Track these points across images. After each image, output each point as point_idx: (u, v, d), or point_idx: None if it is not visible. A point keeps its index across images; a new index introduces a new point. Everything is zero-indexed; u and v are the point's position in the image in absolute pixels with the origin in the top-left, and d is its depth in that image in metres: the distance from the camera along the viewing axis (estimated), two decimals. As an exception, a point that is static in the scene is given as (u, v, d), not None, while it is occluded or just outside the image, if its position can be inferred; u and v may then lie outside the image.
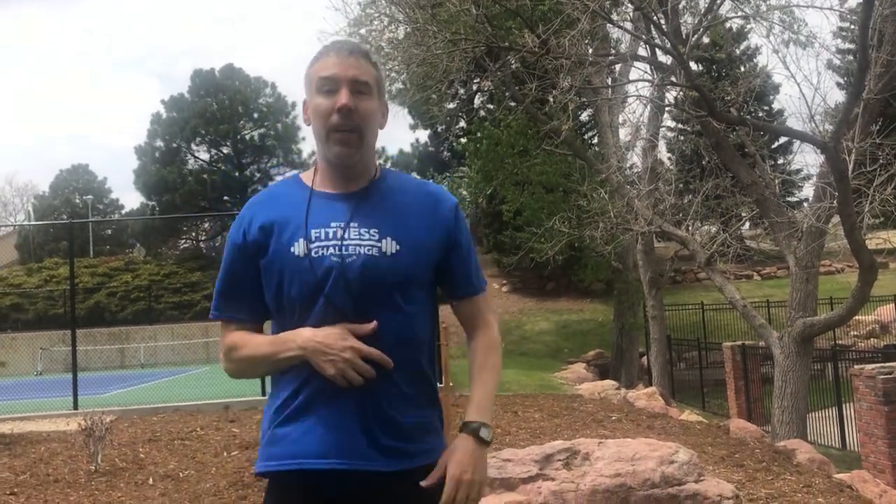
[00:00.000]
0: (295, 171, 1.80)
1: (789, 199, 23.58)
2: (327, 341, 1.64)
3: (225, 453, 7.47)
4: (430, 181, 2.01)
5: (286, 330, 1.73)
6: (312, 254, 1.69)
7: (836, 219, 10.65)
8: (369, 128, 1.76)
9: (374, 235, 1.71)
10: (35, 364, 24.50)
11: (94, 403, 11.22)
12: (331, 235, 1.70)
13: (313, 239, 1.70)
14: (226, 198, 35.72)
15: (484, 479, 1.72)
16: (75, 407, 11.73)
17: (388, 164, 38.02)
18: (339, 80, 1.71)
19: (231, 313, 1.83)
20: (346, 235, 1.70)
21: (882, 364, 9.91)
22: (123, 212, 45.57)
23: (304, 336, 1.67)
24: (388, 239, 1.71)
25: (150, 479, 6.49)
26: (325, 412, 1.68)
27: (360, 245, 1.70)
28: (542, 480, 4.45)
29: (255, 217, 1.79)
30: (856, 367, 10.34)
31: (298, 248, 1.71)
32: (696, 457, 4.87)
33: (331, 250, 1.69)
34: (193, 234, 40.03)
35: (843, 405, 12.63)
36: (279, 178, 37.42)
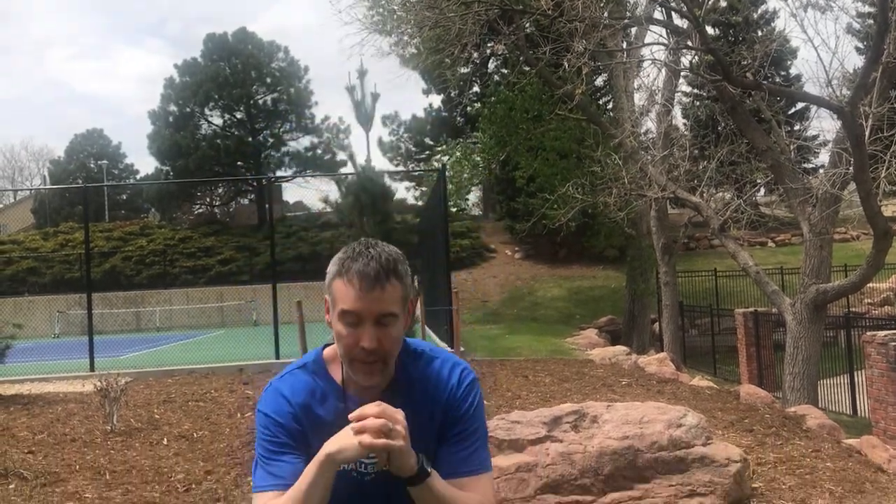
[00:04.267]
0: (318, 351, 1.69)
1: (805, 165, 23.36)
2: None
3: (238, 415, 7.56)
4: (453, 359, 1.94)
5: None
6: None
7: (851, 185, 10.57)
8: (393, 352, 1.77)
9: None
10: (52, 326, 24.81)
11: (110, 366, 11.37)
12: None
13: None
14: (239, 163, 35.74)
15: (395, 461, 1.66)
16: (92, 369, 11.91)
17: (402, 131, 37.69)
18: (364, 317, 1.71)
19: (273, 483, 1.78)
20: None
21: (895, 331, 9.88)
22: (138, 177, 45.75)
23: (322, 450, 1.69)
24: None
25: (165, 440, 6.60)
26: None
27: (376, 459, 1.74)
28: (550, 442, 4.49)
29: (290, 410, 1.81)
30: (868, 333, 10.31)
31: None
32: (705, 421, 4.89)
33: (351, 465, 1.76)
34: (207, 199, 40.13)
35: (855, 372, 12.62)
36: (292, 143, 37.27)
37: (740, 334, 16.28)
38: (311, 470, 1.68)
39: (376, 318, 1.70)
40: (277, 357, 11.97)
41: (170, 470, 5.60)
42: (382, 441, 1.61)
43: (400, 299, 1.74)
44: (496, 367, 10.82)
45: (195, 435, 6.74)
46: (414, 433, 1.68)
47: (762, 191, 17.34)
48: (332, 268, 1.77)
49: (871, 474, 5.38)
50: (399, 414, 1.64)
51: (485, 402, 8.08)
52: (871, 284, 16.06)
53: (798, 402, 9.69)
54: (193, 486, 5.18)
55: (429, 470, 1.69)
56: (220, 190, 39.67)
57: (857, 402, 12.53)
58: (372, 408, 1.63)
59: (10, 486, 5.24)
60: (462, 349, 12.35)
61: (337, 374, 1.83)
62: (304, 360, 1.89)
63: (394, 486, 1.74)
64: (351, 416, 1.65)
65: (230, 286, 28.03)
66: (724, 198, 15.96)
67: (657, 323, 21.12)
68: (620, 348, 14.07)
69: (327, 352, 1.88)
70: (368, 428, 1.61)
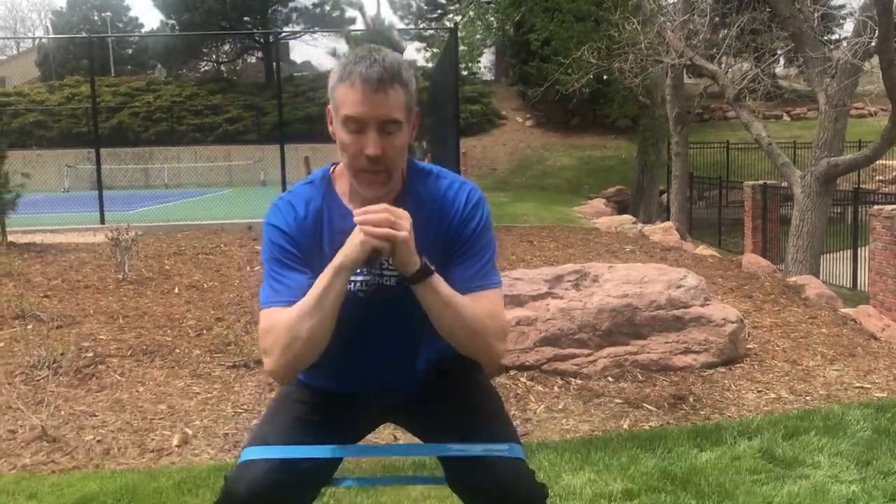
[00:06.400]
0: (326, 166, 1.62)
1: (829, 36, 22.63)
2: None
3: (248, 268, 7.72)
4: (461, 179, 1.87)
5: None
6: None
7: (874, 59, 10.28)
8: (398, 162, 1.74)
9: (390, 262, 1.73)
10: (61, 181, 24.92)
11: (119, 220, 11.47)
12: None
13: None
14: (245, 18, 34.72)
15: (399, 254, 1.65)
16: (102, 222, 12.04)
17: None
18: (367, 123, 1.66)
19: (280, 299, 1.75)
20: (366, 269, 1.76)
21: (902, 206, 9.87)
22: (143, 31, 44.58)
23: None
24: None
25: (176, 289, 6.76)
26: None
27: (380, 276, 1.78)
28: (551, 298, 4.59)
29: (293, 225, 1.78)
30: (875, 207, 10.31)
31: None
32: (705, 283, 4.98)
33: (354, 286, 1.76)
34: (214, 56, 39.30)
35: (859, 248, 12.69)
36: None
37: (747, 206, 16.27)
38: (323, 277, 1.67)
39: (380, 125, 1.66)
40: (286, 216, 12.03)
41: (181, 316, 5.77)
42: (385, 230, 1.61)
43: (404, 106, 1.69)
44: (501, 233, 10.90)
45: (205, 285, 6.90)
46: (417, 249, 1.68)
47: (781, 62, 16.89)
48: (334, 74, 1.71)
49: (864, 341, 5.52)
50: (403, 211, 1.64)
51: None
52: (882, 161, 15.93)
53: (800, 274, 9.81)
54: (204, 331, 5.35)
55: (432, 268, 1.68)
56: (226, 47, 38.76)
57: (858, 277, 12.67)
58: (376, 206, 1.63)
59: (29, 327, 5.43)
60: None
61: (344, 188, 1.82)
62: (312, 177, 1.88)
63: (402, 303, 1.75)
64: (355, 211, 1.65)
65: (238, 145, 27.88)
66: (742, 68, 15.56)
67: (665, 194, 21.09)
68: (626, 217, 14.15)
69: (335, 169, 1.86)
70: (371, 221, 1.61)
